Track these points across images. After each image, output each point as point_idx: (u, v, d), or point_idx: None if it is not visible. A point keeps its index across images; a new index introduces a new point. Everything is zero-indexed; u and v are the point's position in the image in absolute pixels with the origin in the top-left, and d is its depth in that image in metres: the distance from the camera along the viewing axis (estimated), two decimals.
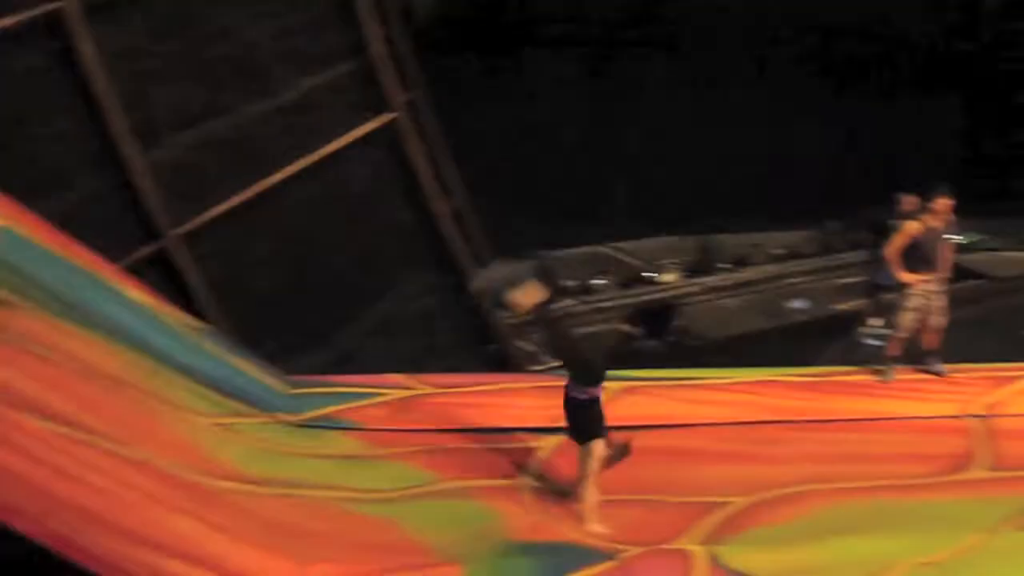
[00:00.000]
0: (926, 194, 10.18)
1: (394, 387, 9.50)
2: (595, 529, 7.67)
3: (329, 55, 11.61)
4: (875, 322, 12.40)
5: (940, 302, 10.05)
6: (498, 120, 16.36)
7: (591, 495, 7.79)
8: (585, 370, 8.02)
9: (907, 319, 9.98)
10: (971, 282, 16.41)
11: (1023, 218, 16.54)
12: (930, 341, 10.15)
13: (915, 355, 10.15)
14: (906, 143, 19.06)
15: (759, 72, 19.15)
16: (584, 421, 7.91)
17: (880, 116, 19.67)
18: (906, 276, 9.90)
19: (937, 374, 10.12)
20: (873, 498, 8.14)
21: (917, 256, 9.91)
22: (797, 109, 19.41)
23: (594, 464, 7.81)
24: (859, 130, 19.62)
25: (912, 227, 9.92)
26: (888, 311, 10.90)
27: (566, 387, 8.00)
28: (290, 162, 11.55)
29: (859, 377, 10.15)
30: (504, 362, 12.42)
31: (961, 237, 17.74)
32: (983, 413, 9.62)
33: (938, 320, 10.06)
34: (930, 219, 9.94)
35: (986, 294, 14.77)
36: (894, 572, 6.97)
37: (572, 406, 7.96)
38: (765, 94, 19.19)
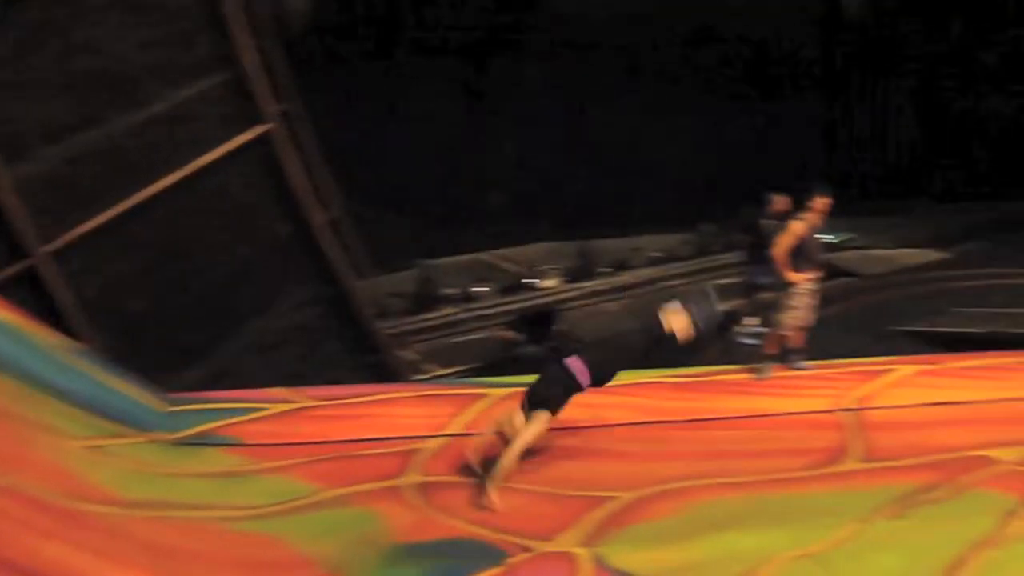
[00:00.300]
0: (798, 193, 10.43)
1: (275, 401, 9.40)
2: (492, 497, 7.75)
3: (200, 66, 11.39)
4: (751, 321, 12.66)
5: (813, 300, 10.31)
6: (374, 129, 16.29)
7: (511, 461, 7.84)
8: (609, 373, 8.29)
9: (790, 317, 10.20)
10: (841, 280, 16.93)
11: (886, 217, 16.96)
12: (796, 339, 10.40)
13: (782, 353, 10.40)
14: (773, 144, 19.57)
15: (631, 77, 19.44)
16: (554, 389, 8.03)
17: (749, 118, 20.16)
18: (793, 275, 10.10)
19: (800, 371, 10.39)
20: (751, 493, 8.30)
21: (800, 255, 10.13)
22: (669, 113, 19.76)
23: (529, 433, 7.88)
24: (729, 132, 20.07)
25: (798, 227, 10.14)
26: (764, 310, 11.14)
27: (566, 359, 8.13)
28: (162, 175, 11.31)
29: (736, 376, 10.37)
30: (385, 372, 12.35)
31: (832, 236, 18.33)
32: (854, 406, 9.90)
33: (807, 318, 10.32)
34: (812, 218, 10.16)
35: (855, 291, 15.20)
36: (771, 565, 7.12)
37: (558, 372, 8.07)
38: (639, 98, 19.50)
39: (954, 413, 9.98)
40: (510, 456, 7.84)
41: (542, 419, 7.94)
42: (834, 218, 13.95)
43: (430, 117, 17.01)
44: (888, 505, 8.14)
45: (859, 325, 13.56)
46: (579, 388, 8.13)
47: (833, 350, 11.04)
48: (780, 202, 12.48)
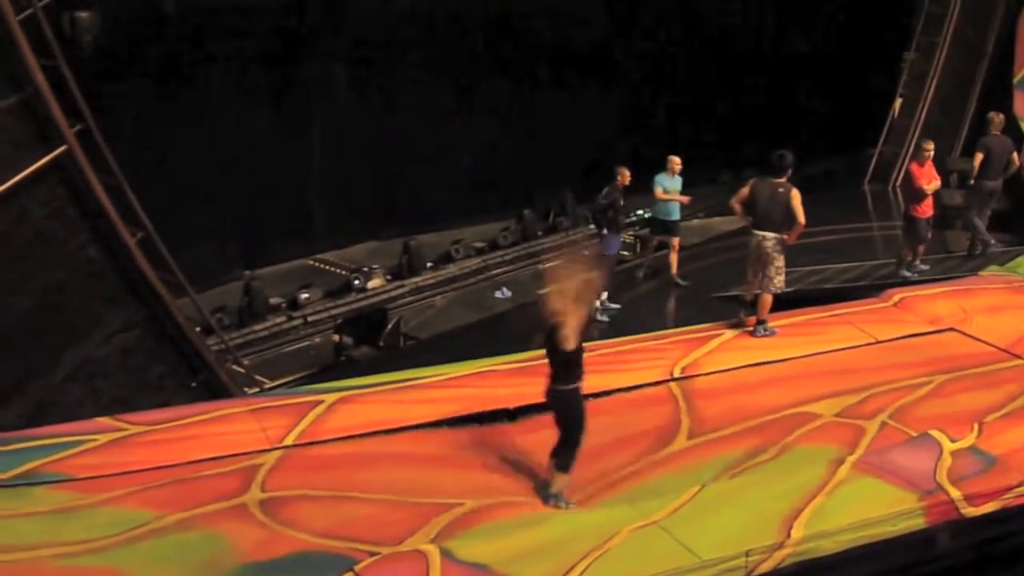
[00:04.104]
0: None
1: (103, 431, 9.07)
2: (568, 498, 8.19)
3: None
4: (604, 296, 12.88)
5: None
6: (179, 143, 15.89)
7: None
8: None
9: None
10: (661, 252, 17.35)
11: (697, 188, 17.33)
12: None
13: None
14: (575, 128, 19.94)
15: (435, 73, 19.49)
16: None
17: (547, 107, 20.48)
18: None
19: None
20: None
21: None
22: (474, 105, 19.93)
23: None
24: (534, 120, 20.35)
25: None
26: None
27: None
28: None
29: None
30: (216, 389, 12.06)
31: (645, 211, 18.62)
32: (679, 375, 10.18)
33: None
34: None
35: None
36: (619, 537, 7.29)
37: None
38: (444, 94, 19.58)
39: (775, 372, 10.41)
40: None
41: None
42: (645, 194, 14.42)
43: (235, 126, 16.66)
44: (720, 474, 8.45)
45: (683, 294, 13.92)
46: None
47: (659, 321, 11.33)
48: (625, 175, 12.85)
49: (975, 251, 14.48)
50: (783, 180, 10.85)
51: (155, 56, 16.04)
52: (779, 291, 11.06)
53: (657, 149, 20.77)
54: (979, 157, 14.20)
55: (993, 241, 14.44)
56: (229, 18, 16.75)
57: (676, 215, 13.99)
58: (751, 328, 11.11)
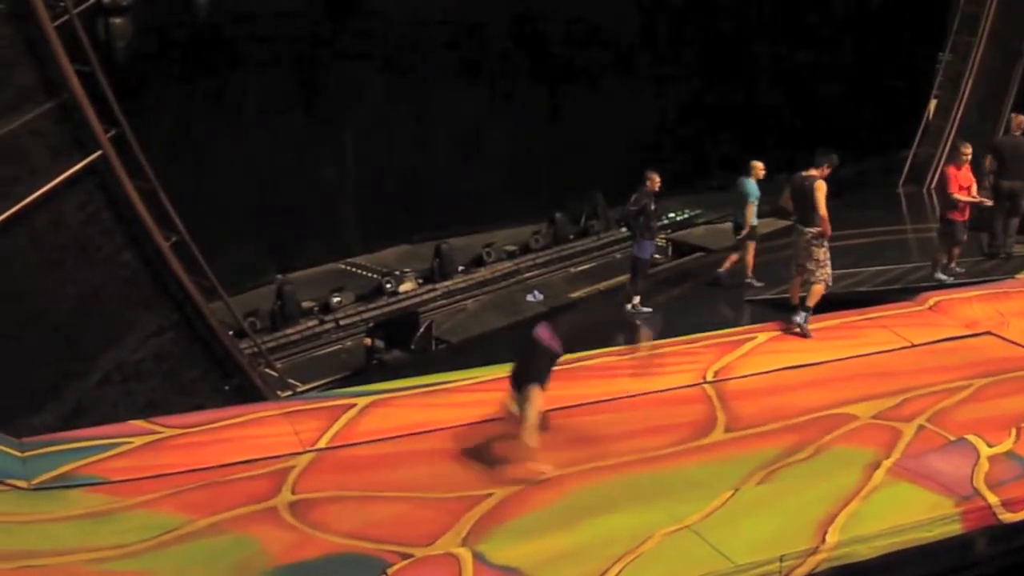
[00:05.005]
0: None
1: (137, 434, 9.12)
2: (540, 468, 8.18)
3: (23, 98, 10.97)
4: (636, 300, 12.89)
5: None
6: (212, 147, 16.00)
7: (533, 438, 8.16)
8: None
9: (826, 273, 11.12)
10: (694, 255, 17.30)
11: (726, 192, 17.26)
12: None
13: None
14: (605, 132, 19.89)
15: (467, 76, 19.52)
16: (538, 365, 8.20)
17: (579, 108, 20.45)
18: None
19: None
20: (625, 474, 8.42)
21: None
22: (505, 109, 19.92)
23: (532, 409, 8.14)
24: (565, 124, 20.32)
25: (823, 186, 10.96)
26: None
27: (536, 330, 8.22)
28: None
29: (600, 360, 10.47)
30: (249, 393, 12.12)
31: (677, 213, 18.66)
32: (713, 379, 10.14)
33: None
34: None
35: (708, 265, 15.44)
36: (651, 542, 7.25)
37: (534, 348, 8.21)
38: (475, 97, 19.60)
39: (809, 374, 10.34)
40: (529, 439, 8.19)
41: (536, 393, 8.16)
42: (679, 195, 14.34)
43: (268, 131, 16.76)
44: (756, 471, 8.40)
45: (715, 298, 13.85)
46: (556, 355, 8.28)
47: (690, 323, 11.28)
48: (654, 179, 12.80)
49: (997, 253, 14.37)
50: (811, 173, 10.97)
51: (189, 61, 16.16)
52: (823, 282, 11.05)
53: (687, 152, 20.97)
54: (989, 158, 14.29)
55: (1013, 250, 14.35)
56: (262, 23, 16.86)
57: (755, 220, 13.83)
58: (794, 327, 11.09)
